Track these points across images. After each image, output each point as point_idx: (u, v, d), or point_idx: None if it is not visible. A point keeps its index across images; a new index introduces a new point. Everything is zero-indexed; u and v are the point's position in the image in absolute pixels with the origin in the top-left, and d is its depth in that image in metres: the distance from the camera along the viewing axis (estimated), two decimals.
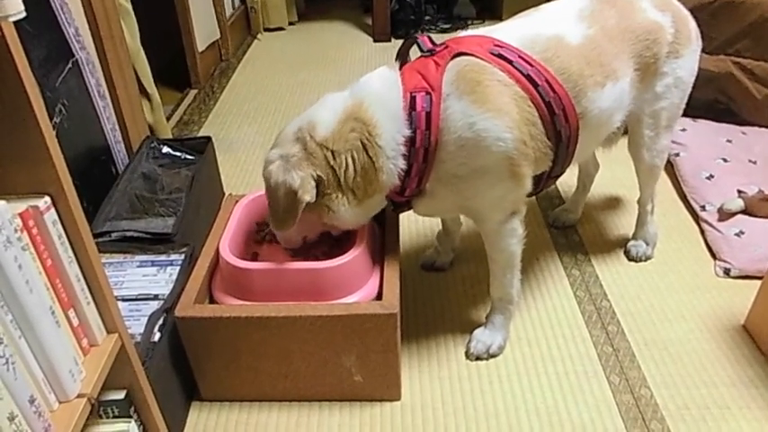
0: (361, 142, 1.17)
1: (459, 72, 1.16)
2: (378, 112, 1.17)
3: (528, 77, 1.18)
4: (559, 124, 1.22)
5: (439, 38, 1.28)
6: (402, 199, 1.27)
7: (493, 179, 1.21)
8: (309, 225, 1.27)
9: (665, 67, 1.39)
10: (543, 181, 1.34)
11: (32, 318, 0.76)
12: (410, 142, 1.16)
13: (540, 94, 1.18)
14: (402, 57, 1.27)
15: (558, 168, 1.33)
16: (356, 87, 1.22)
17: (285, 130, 1.24)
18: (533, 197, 1.98)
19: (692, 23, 1.44)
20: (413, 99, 1.15)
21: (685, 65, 1.42)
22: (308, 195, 1.16)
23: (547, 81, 1.19)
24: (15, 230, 0.75)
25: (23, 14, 0.68)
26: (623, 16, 1.32)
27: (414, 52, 1.26)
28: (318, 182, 1.18)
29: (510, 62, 1.18)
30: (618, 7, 1.33)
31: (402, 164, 1.18)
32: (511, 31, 1.26)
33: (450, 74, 1.16)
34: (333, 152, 1.17)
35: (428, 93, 1.15)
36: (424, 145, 1.16)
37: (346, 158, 1.17)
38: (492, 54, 1.18)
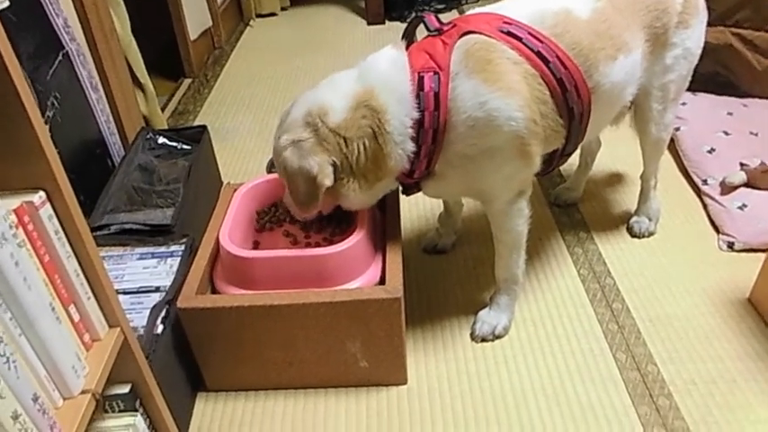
0: (372, 129, 1.15)
1: (468, 51, 1.14)
2: (387, 97, 1.15)
3: (538, 54, 1.16)
4: (572, 101, 1.20)
5: None
6: (411, 181, 1.26)
7: (503, 159, 1.19)
8: (323, 203, 1.26)
9: (674, 37, 1.37)
10: (556, 159, 1.33)
11: (32, 315, 0.76)
12: (418, 124, 1.14)
13: (551, 70, 1.16)
14: (409, 36, 1.25)
15: (571, 146, 1.31)
16: (364, 69, 1.20)
17: (292, 113, 1.21)
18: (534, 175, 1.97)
19: None
20: (420, 79, 1.13)
21: (693, 35, 1.40)
22: (328, 180, 1.16)
23: (557, 57, 1.17)
24: (10, 227, 0.73)
25: (7, 4, 0.67)
26: None
27: (420, 32, 1.24)
28: (333, 167, 1.17)
29: (519, 39, 1.16)
30: None
31: (411, 147, 1.16)
32: (519, 7, 1.23)
33: (459, 53, 1.14)
34: (345, 139, 1.15)
35: (436, 72, 1.13)
36: (432, 126, 1.14)
37: (358, 146, 1.16)
38: (501, 32, 1.16)
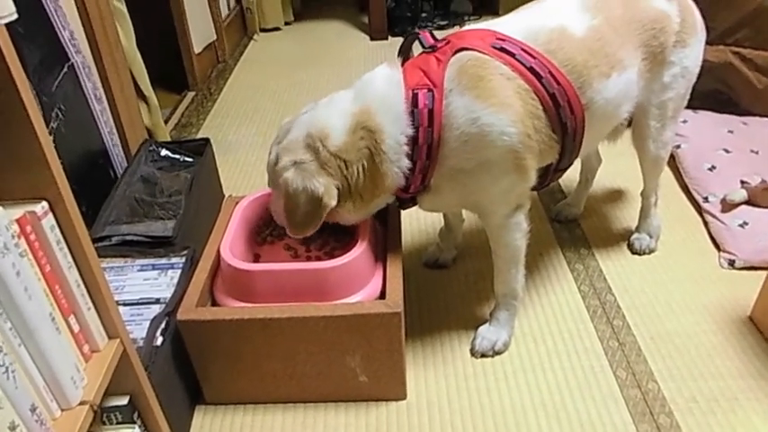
0: (369, 150, 1.16)
1: (462, 67, 1.15)
2: (383, 117, 1.16)
3: (531, 70, 1.17)
4: (564, 116, 1.21)
5: (437, 35, 1.27)
6: (407, 196, 1.26)
7: (498, 173, 1.20)
8: None
9: (672, 56, 1.38)
10: (550, 174, 1.33)
11: (32, 325, 0.75)
12: (413, 140, 1.15)
13: (543, 86, 1.17)
14: (404, 53, 1.27)
15: (566, 161, 1.32)
16: (360, 89, 1.21)
17: (292, 133, 1.21)
18: (535, 191, 1.98)
19: (697, 13, 1.43)
20: (415, 96, 1.14)
21: (692, 54, 1.41)
22: (334, 201, 1.17)
23: (550, 73, 1.18)
24: (12, 237, 0.74)
25: (15, 16, 0.67)
26: (629, 6, 1.31)
27: (417, 48, 1.25)
28: (336, 189, 1.18)
29: (512, 55, 1.17)
30: None
31: (407, 163, 1.17)
32: (513, 23, 1.25)
33: (453, 69, 1.16)
34: (345, 162, 1.16)
35: (430, 89, 1.14)
36: (426, 142, 1.15)
37: (357, 168, 1.17)
38: (494, 48, 1.17)
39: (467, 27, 1.29)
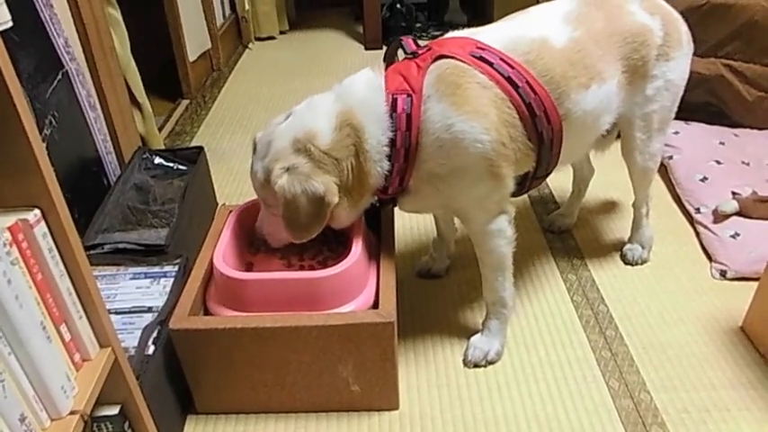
0: (355, 147, 1.18)
1: (440, 75, 1.17)
2: (365, 117, 1.18)
3: (508, 79, 1.19)
4: (541, 125, 1.23)
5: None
6: (386, 196, 1.28)
7: (473, 179, 1.22)
8: None
9: (654, 69, 1.39)
10: (528, 181, 1.34)
11: (22, 334, 0.75)
12: (392, 143, 1.17)
13: (520, 95, 1.19)
14: (389, 59, 1.29)
15: (543, 169, 1.33)
16: (342, 91, 1.22)
17: (275, 143, 1.20)
18: (529, 201, 1.98)
19: (684, 27, 1.44)
20: (394, 101, 1.17)
21: (676, 68, 1.42)
22: (336, 197, 1.17)
23: (527, 83, 1.20)
24: (4, 244, 0.73)
25: (10, 24, 0.67)
26: (610, 19, 1.33)
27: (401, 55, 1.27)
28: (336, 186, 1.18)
29: (491, 64, 1.19)
30: (605, 10, 1.34)
31: (386, 165, 1.19)
32: (495, 33, 1.27)
33: (431, 76, 1.18)
34: (337, 160, 1.17)
35: (409, 95, 1.16)
36: (404, 145, 1.17)
37: (347, 165, 1.18)
38: (473, 56, 1.19)
39: (449, 35, 1.30)
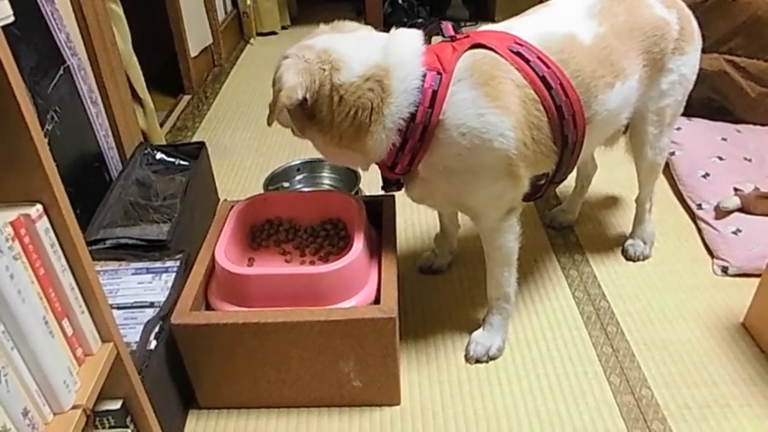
0: (371, 103, 1.14)
1: (475, 62, 1.16)
2: (398, 83, 1.14)
3: (543, 79, 1.17)
4: (567, 129, 1.21)
5: (434, 41, 1.27)
6: (393, 176, 1.26)
7: (489, 177, 1.20)
8: (296, 127, 1.24)
9: (670, 63, 1.39)
10: (545, 186, 1.34)
11: (25, 328, 0.75)
12: (411, 118, 1.14)
13: (552, 97, 1.18)
14: (426, 40, 1.25)
15: (561, 173, 1.32)
16: (391, 46, 1.17)
17: (318, 39, 1.20)
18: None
19: (694, 22, 1.44)
20: (423, 76, 1.14)
21: (689, 62, 1.42)
22: (288, 101, 1.12)
23: (561, 84, 1.18)
24: (7, 239, 0.73)
25: (12, 19, 0.67)
26: (631, 13, 1.32)
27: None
28: (312, 107, 1.15)
29: (527, 61, 1.17)
30: (626, 3, 1.32)
31: (396, 138, 1.16)
32: (527, 28, 1.24)
33: (466, 61, 1.16)
34: (341, 98, 1.13)
35: (439, 73, 1.14)
36: (423, 122, 1.14)
37: (349, 110, 1.14)
38: (511, 51, 1.18)
39: (484, 27, 1.29)
